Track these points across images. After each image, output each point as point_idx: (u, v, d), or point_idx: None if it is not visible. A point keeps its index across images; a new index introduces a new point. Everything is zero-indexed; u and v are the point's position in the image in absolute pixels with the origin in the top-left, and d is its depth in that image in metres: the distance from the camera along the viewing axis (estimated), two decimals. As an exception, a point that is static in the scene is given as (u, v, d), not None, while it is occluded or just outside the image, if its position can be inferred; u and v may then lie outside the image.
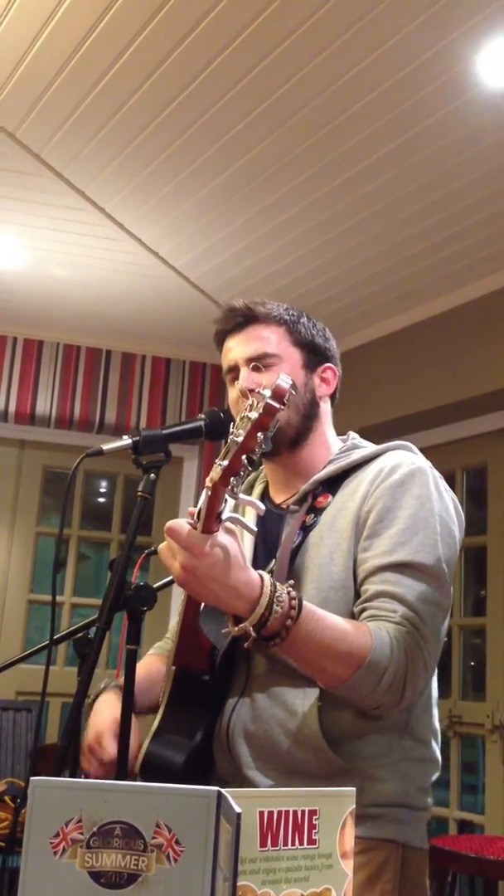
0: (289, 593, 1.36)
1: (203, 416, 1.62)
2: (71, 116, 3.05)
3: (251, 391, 1.60)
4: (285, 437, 1.62)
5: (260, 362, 1.63)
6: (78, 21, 2.60)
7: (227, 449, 1.21)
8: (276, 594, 1.35)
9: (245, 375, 1.63)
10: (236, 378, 1.65)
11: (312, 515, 1.59)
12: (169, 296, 4.44)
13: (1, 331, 4.99)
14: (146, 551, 1.68)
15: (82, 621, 1.71)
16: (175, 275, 4.19)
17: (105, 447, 1.56)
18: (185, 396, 5.26)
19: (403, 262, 3.84)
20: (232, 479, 1.21)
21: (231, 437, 1.21)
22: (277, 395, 1.18)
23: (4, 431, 5.08)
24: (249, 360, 1.64)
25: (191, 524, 1.33)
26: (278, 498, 1.70)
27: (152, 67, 2.77)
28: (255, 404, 1.20)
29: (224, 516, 1.29)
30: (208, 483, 1.24)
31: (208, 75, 2.77)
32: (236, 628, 1.37)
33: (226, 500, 1.27)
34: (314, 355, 1.69)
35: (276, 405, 1.18)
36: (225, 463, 1.20)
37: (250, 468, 1.21)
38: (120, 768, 1.40)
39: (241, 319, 1.67)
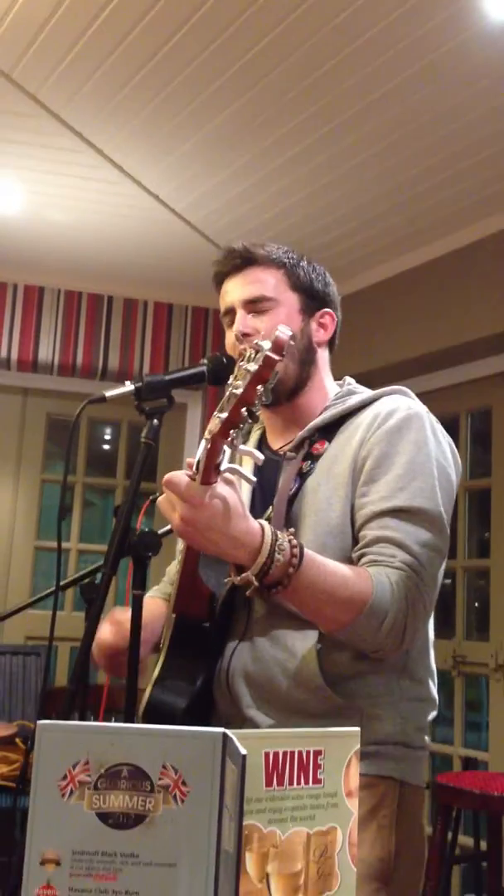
0: (290, 541, 1.37)
1: (206, 361, 1.62)
2: (67, 56, 2.99)
3: (247, 335, 1.60)
4: (284, 388, 1.62)
5: (257, 305, 1.62)
6: (72, -44, 2.54)
7: (226, 400, 1.20)
8: (278, 542, 1.35)
9: (241, 318, 1.62)
10: (234, 321, 1.65)
11: (309, 462, 1.59)
12: (170, 239, 4.40)
13: (1, 278, 4.95)
14: (150, 497, 1.68)
15: (88, 567, 1.72)
16: (176, 218, 4.14)
17: (108, 394, 1.56)
18: (187, 342, 5.23)
19: (404, 204, 3.79)
20: (231, 431, 1.21)
21: (230, 388, 1.20)
22: (277, 346, 1.17)
23: (7, 379, 5.07)
24: (246, 303, 1.63)
25: (189, 476, 1.32)
26: (275, 444, 1.70)
27: (146, 8, 2.71)
28: (254, 355, 1.18)
29: (223, 467, 1.29)
30: (207, 435, 1.23)
31: (205, 14, 2.71)
32: (239, 578, 1.37)
33: (224, 450, 1.26)
34: (312, 300, 1.68)
35: (276, 357, 1.16)
36: (224, 415, 1.19)
37: (250, 420, 1.20)
38: (129, 704, 1.42)
39: (239, 262, 1.65)
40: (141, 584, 1.48)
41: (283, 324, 1.60)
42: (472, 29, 2.68)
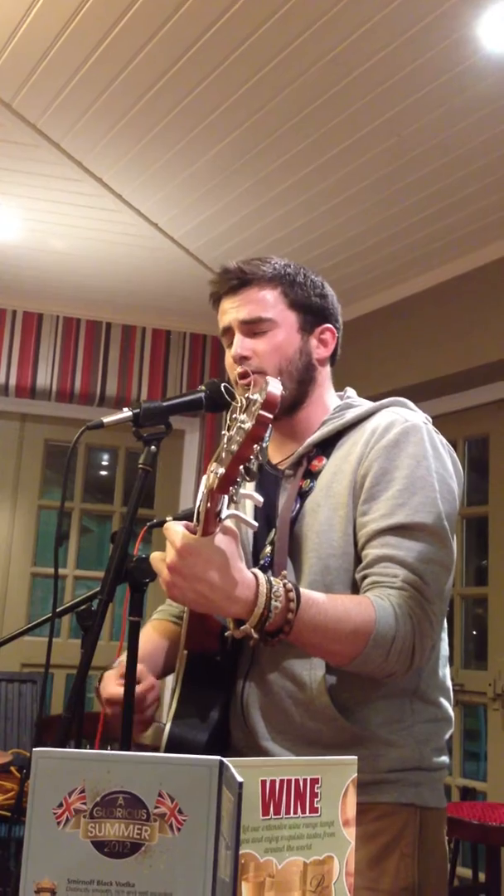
0: (284, 586, 1.35)
1: (204, 387, 1.61)
2: (67, 86, 3.02)
3: (244, 358, 1.59)
4: (282, 406, 1.61)
5: (254, 326, 1.61)
6: (73, -12, 2.57)
7: (223, 456, 1.19)
8: (273, 590, 1.33)
9: (238, 341, 1.61)
10: (231, 340, 1.64)
11: (308, 481, 1.58)
12: (168, 267, 4.42)
13: (0, 304, 4.97)
14: (148, 524, 1.68)
15: (85, 593, 1.71)
16: (174, 245, 4.16)
17: (105, 420, 1.55)
18: (185, 368, 5.25)
19: (402, 232, 3.82)
20: (230, 487, 1.21)
21: (225, 443, 1.19)
22: (269, 405, 1.15)
23: (5, 405, 5.08)
24: (243, 324, 1.62)
25: (190, 528, 1.33)
26: (275, 457, 1.69)
27: (148, 36, 2.74)
28: (247, 407, 1.17)
29: (224, 514, 1.28)
30: (205, 489, 1.23)
31: (203, 45, 2.74)
32: (238, 630, 1.36)
33: (223, 498, 1.26)
34: (311, 316, 1.66)
35: (269, 415, 1.15)
36: (222, 471, 1.19)
37: (247, 477, 1.19)
38: (125, 736, 1.41)
39: (236, 282, 1.64)
40: (138, 610, 1.47)
41: (281, 343, 1.61)
42: (467, 61, 2.71)
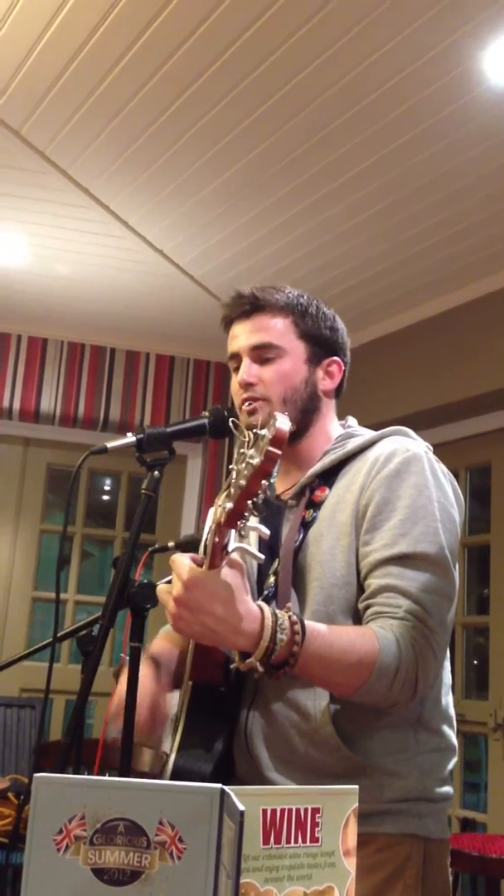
0: (290, 618, 1.35)
1: (207, 413, 1.62)
2: (75, 114, 3.05)
3: (250, 385, 1.60)
4: None
5: (262, 353, 1.62)
6: (82, 20, 2.60)
7: (231, 491, 1.20)
8: (279, 622, 1.34)
9: (246, 367, 1.62)
10: (239, 365, 1.65)
11: (311, 511, 1.59)
12: (173, 293, 4.44)
13: (5, 329, 4.99)
14: (150, 549, 1.68)
15: (86, 619, 1.71)
16: (179, 272, 4.19)
17: (109, 445, 1.56)
18: (189, 394, 5.26)
19: (406, 261, 3.84)
20: (238, 522, 1.22)
21: (233, 477, 1.20)
22: (277, 441, 1.16)
23: (9, 429, 5.09)
24: (252, 350, 1.62)
25: (196, 561, 1.33)
26: (278, 488, 1.69)
27: (156, 66, 2.77)
28: (256, 443, 1.18)
29: (230, 547, 1.29)
30: (212, 524, 1.24)
31: (211, 75, 2.77)
32: (244, 664, 1.36)
33: (230, 532, 1.27)
34: (320, 348, 1.66)
35: (277, 451, 1.16)
36: (230, 506, 1.20)
37: (255, 512, 1.20)
38: (124, 759, 1.40)
39: (248, 307, 1.65)
40: (139, 635, 1.47)
41: (288, 372, 1.61)
42: (472, 93, 2.74)
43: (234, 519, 1.21)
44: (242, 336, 1.64)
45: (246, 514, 1.21)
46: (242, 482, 1.18)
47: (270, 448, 1.16)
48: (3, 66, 2.84)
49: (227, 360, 1.68)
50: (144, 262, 4.12)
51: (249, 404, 1.61)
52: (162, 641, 1.73)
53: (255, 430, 1.20)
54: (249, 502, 1.19)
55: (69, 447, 5.05)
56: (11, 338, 5.02)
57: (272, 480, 1.19)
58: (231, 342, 1.67)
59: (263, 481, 1.18)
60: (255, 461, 1.16)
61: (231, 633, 1.32)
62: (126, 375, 5.17)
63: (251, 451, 1.18)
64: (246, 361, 1.63)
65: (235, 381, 1.65)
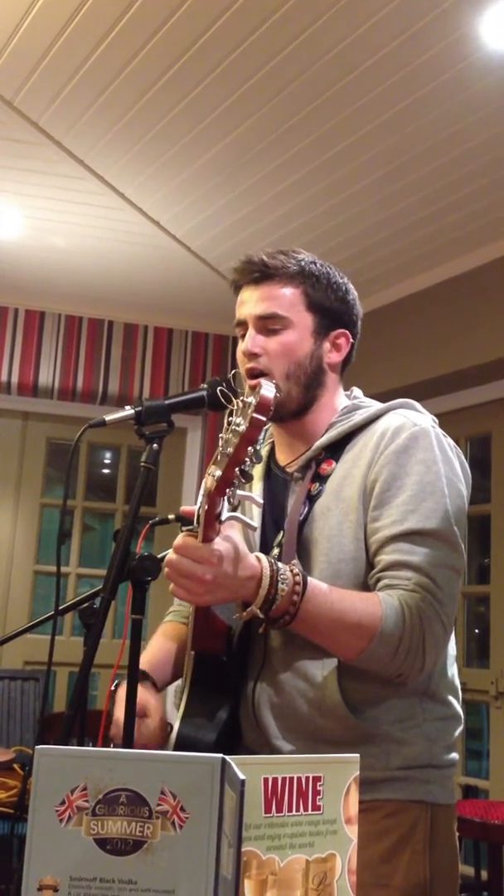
0: (292, 570, 1.38)
1: (205, 385, 1.61)
2: (69, 84, 3.02)
3: (254, 355, 1.59)
4: (287, 409, 1.61)
5: (268, 323, 1.59)
6: (75, -14, 2.57)
7: (219, 458, 1.22)
8: (280, 572, 1.37)
9: (251, 336, 1.60)
10: (245, 332, 1.62)
11: (317, 484, 1.58)
12: (170, 265, 4.42)
13: (2, 302, 4.97)
14: (150, 522, 1.68)
15: (88, 591, 1.71)
16: (176, 244, 4.16)
17: (107, 418, 1.55)
18: (187, 367, 5.25)
19: (406, 230, 3.82)
20: (227, 489, 1.23)
21: (221, 446, 1.22)
22: (262, 407, 1.18)
23: (8, 403, 5.08)
24: (258, 319, 1.60)
25: (189, 532, 1.35)
26: (283, 459, 1.68)
27: (150, 33, 2.74)
28: (242, 409, 1.20)
29: (224, 517, 1.30)
30: (204, 492, 1.25)
31: (205, 43, 2.74)
32: (245, 612, 1.38)
33: (223, 501, 1.28)
34: (328, 320, 1.63)
35: (262, 418, 1.18)
36: (219, 474, 1.21)
37: (243, 480, 1.23)
38: (126, 737, 1.41)
39: (258, 275, 1.61)
40: (140, 608, 1.47)
41: (293, 344, 1.60)
42: (469, 58, 2.71)
43: (223, 486, 1.22)
44: (250, 303, 1.61)
45: (235, 481, 1.22)
46: (230, 450, 1.19)
47: (255, 415, 1.18)
48: (-6, 35, 2.81)
49: (234, 325, 1.66)
50: (141, 234, 4.09)
51: (253, 376, 1.60)
52: (157, 648, 1.73)
53: (241, 398, 1.22)
54: (237, 469, 1.21)
55: (68, 421, 5.04)
56: (8, 311, 5.00)
57: (259, 447, 1.21)
58: (239, 308, 1.64)
59: (249, 448, 1.19)
60: (241, 428, 1.18)
61: (239, 587, 1.35)
62: (124, 348, 5.15)
63: (238, 420, 1.20)
64: (251, 331, 1.61)
65: (241, 348, 1.63)
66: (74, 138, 3.35)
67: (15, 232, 4.15)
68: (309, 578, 1.39)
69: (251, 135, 3.22)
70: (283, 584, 1.36)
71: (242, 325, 1.63)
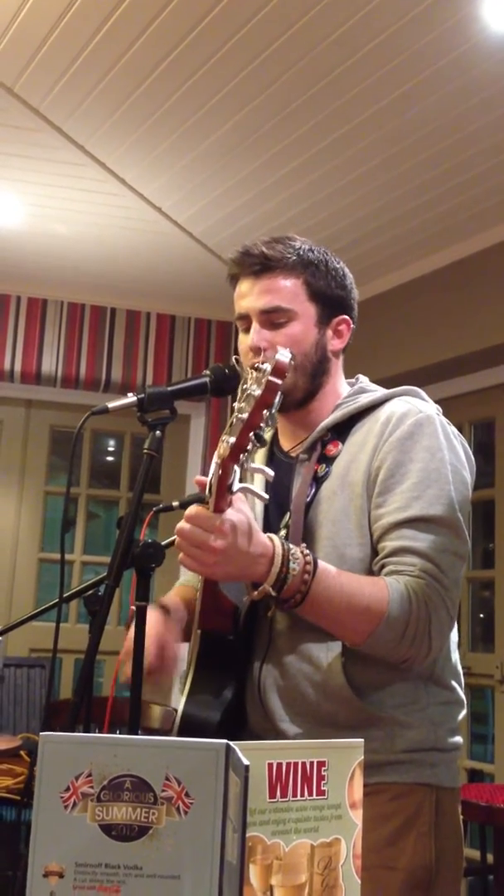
0: (302, 552, 1.39)
1: (208, 372, 1.61)
2: (69, 70, 3.01)
3: (262, 350, 1.58)
4: (294, 399, 1.61)
5: (272, 316, 1.58)
6: (74, -30, 2.55)
7: (233, 425, 1.22)
8: (291, 552, 1.38)
9: (256, 331, 1.59)
10: (248, 326, 1.61)
11: (324, 465, 1.58)
12: (172, 252, 4.41)
13: (4, 290, 4.96)
14: (154, 509, 1.68)
15: (92, 579, 1.72)
16: (178, 230, 4.15)
17: (110, 405, 1.55)
18: (190, 354, 5.24)
19: (407, 215, 3.80)
20: (241, 455, 1.23)
21: (236, 413, 1.22)
22: (278, 371, 1.19)
23: (10, 391, 5.08)
24: (262, 313, 1.59)
25: (202, 500, 1.36)
26: (287, 445, 1.69)
27: (150, 19, 2.72)
28: (257, 377, 1.19)
29: (235, 487, 1.29)
30: (217, 459, 1.25)
31: (206, 27, 2.72)
32: (256, 592, 1.39)
33: (235, 470, 1.27)
34: (330, 308, 1.63)
35: (278, 381, 1.19)
36: (232, 440, 1.21)
37: (257, 444, 1.23)
38: (132, 720, 1.42)
39: (258, 267, 1.59)
40: (144, 595, 1.48)
41: (298, 336, 1.59)
42: (472, 40, 2.69)
43: (237, 453, 1.23)
44: (251, 297, 1.60)
45: (249, 447, 1.23)
46: (244, 416, 1.20)
47: (271, 378, 1.18)
48: (-6, 21, 2.80)
49: (235, 318, 1.65)
50: (143, 220, 4.08)
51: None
52: (174, 597, 1.74)
53: (255, 364, 1.23)
54: (252, 434, 1.21)
55: (71, 408, 5.04)
56: (11, 299, 4.99)
57: (274, 412, 1.21)
58: (239, 301, 1.62)
59: (265, 412, 1.20)
60: (257, 392, 1.19)
61: (251, 564, 1.35)
62: (127, 335, 5.14)
63: (253, 386, 1.20)
64: (256, 325, 1.59)
65: (245, 341, 1.62)
66: (75, 124, 3.34)
67: (16, 219, 4.14)
68: (319, 560, 1.40)
69: (251, 120, 3.20)
70: (294, 563, 1.37)
71: (244, 318, 1.62)
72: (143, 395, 1.54)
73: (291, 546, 1.39)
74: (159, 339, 5.20)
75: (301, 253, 1.61)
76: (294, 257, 1.60)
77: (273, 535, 1.39)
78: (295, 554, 1.38)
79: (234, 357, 1.63)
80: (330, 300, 1.63)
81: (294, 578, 1.37)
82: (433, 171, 3.43)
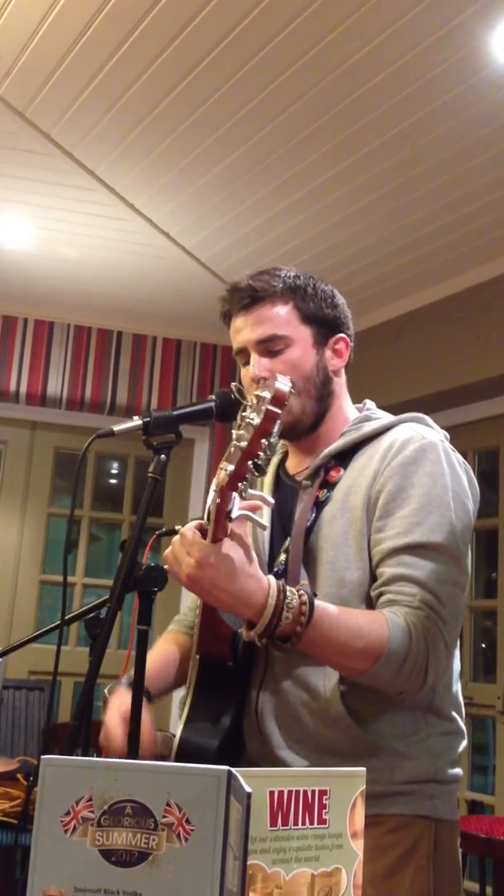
0: (300, 597, 1.35)
1: (214, 396, 1.61)
2: (80, 96, 3.04)
3: (263, 379, 1.59)
4: (303, 425, 1.61)
5: (269, 345, 1.59)
6: (86, 1, 2.58)
7: (232, 453, 1.21)
8: (287, 600, 1.34)
9: (256, 362, 1.60)
10: (247, 359, 1.62)
11: (325, 491, 1.58)
12: (180, 277, 4.43)
13: (12, 312, 4.99)
14: (157, 532, 1.68)
15: (94, 601, 1.71)
16: (186, 256, 4.17)
17: (116, 428, 1.56)
18: (195, 378, 5.25)
19: (413, 244, 3.82)
20: (239, 484, 1.22)
21: (234, 441, 1.21)
22: (277, 400, 1.18)
23: (16, 413, 5.09)
24: (258, 343, 1.60)
25: (200, 526, 1.35)
26: (295, 469, 1.69)
27: (162, 47, 2.75)
28: (257, 406, 1.19)
29: (234, 514, 1.29)
30: (215, 487, 1.24)
31: (217, 55, 2.75)
32: (246, 635, 1.39)
33: (234, 497, 1.27)
34: (325, 328, 1.64)
35: (277, 410, 1.18)
36: (231, 468, 1.20)
37: (256, 473, 1.22)
38: (131, 747, 1.41)
39: (248, 300, 1.61)
40: (146, 618, 1.47)
41: (298, 360, 1.60)
42: (481, 73, 2.71)
43: (235, 481, 1.22)
44: (246, 330, 1.61)
45: (247, 476, 1.22)
46: (243, 444, 1.19)
47: (270, 407, 1.18)
48: (7, 47, 2.83)
49: (234, 354, 1.66)
50: (151, 245, 4.10)
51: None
52: (161, 647, 1.73)
53: (256, 393, 1.21)
54: (250, 463, 1.20)
55: (76, 431, 5.05)
56: (18, 321, 5.01)
57: (273, 440, 1.20)
58: (235, 336, 1.64)
59: (263, 441, 1.19)
60: (255, 421, 1.18)
61: (240, 604, 1.34)
62: (133, 359, 5.16)
63: (252, 414, 1.20)
64: (255, 356, 1.60)
65: (247, 374, 1.63)
66: (85, 150, 3.37)
67: (26, 242, 4.17)
68: (317, 603, 1.37)
69: (261, 148, 3.23)
70: (287, 612, 1.34)
71: (243, 352, 1.64)
72: (148, 419, 1.55)
73: (289, 592, 1.35)
74: (165, 362, 5.21)
75: (287, 280, 1.63)
76: (281, 285, 1.62)
77: (272, 580, 1.36)
78: (291, 602, 1.34)
79: (233, 384, 1.63)
80: (323, 321, 1.64)
81: (286, 626, 1.34)
82: (440, 201, 3.45)
